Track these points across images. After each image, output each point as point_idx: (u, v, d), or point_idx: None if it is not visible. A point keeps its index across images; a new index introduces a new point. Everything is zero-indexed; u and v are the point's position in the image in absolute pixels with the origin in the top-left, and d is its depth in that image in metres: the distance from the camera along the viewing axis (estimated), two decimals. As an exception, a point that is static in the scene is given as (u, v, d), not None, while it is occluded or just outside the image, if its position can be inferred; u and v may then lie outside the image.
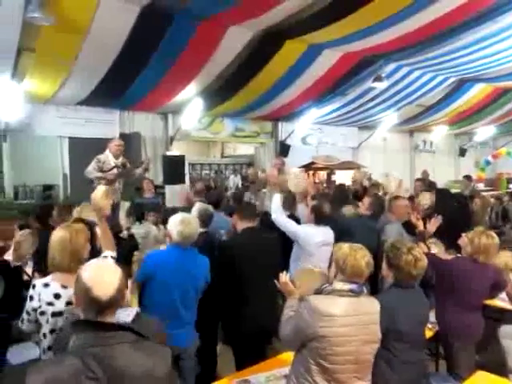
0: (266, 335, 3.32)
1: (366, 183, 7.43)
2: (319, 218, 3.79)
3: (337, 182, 9.85)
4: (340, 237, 3.66)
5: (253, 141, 11.19)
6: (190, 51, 6.56)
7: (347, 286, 2.18)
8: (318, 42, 6.91)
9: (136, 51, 6.30)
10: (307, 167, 10.87)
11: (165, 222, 4.56)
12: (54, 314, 2.26)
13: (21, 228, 3.85)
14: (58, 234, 2.40)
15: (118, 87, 7.52)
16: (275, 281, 2.55)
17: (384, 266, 2.58)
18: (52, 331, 2.26)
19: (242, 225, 3.27)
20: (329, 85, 8.75)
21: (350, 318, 2.12)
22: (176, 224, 2.84)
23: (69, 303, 2.27)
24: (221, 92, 8.30)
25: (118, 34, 5.96)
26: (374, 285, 3.44)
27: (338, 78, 8.46)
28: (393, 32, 6.44)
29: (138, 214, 4.20)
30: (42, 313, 2.26)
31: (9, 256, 3.43)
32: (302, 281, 2.58)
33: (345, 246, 2.29)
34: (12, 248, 3.38)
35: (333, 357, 2.10)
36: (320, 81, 8.41)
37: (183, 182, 8.33)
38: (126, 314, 1.98)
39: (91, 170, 5.47)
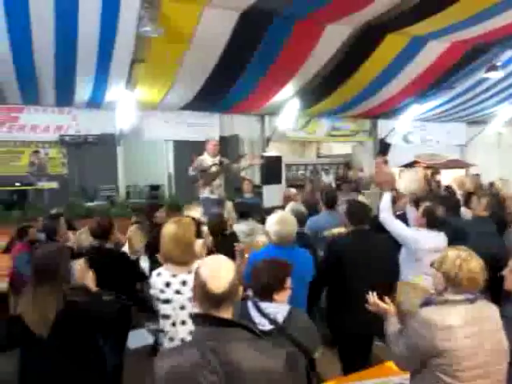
0: (371, 339, 3.19)
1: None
2: (431, 222, 3.52)
3: (442, 183, 9.16)
4: (453, 240, 3.37)
5: (350, 140, 10.91)
6: (287, 52, 6.59)
7: (462, 296, 1.96)
8: (422, 33, 6.48)
9: (235, 55, 6.51)
10: (409, 166, 10.27)
11: (263, 221, 4.66)
12: (164, 301, 2.42)
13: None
14: (170, 229, 2.52)
15: (219, 91, 7.85)
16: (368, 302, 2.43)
17: (508, 276, 2.27)
18: (163, 317, 2.42)
19: (351, 227, 3.18)
20: (433, 78, 8.17)
21: (471, 328, 1.90)
22: (273, 224, 2.84)
23: (178, 292, 2.41)
24: (318, 91, 8.22)
25: (219, 40, 6.21)
26: (494, 293, 3.06)
27: (445, 70, 7.86)
28: (508, 15, 5.79)
29: (242, 213, 4.31)
30: (157, 299, 2.45)
31: (124, 249, 3.76)
32: (404, 296, 2.38)
33: (452, 256, 2.01)
34: (127, 243, 3.70)
35: (461, 373, 1.88)
36: (424, 75, 7.89)
37: (280, 182, 8.41)
38: (279, 310, 2.02)
39: (192, 169, 5.82)
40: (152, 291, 2.45)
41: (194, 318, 1.51)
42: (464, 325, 1.91)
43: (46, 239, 3.71)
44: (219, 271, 1.49)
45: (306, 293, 2.82)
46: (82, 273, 2.51)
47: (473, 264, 1.97)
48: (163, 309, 2.42)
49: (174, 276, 2.44)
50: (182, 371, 1.36)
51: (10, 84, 6.81)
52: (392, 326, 2.23)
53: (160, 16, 5.27)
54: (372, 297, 2.43)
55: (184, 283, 2.43)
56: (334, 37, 6.42)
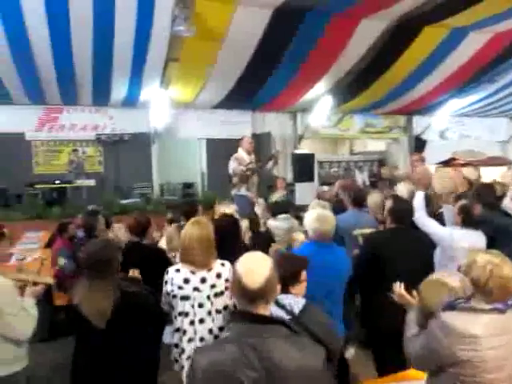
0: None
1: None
2: (468, 220, 3.38)
3: (482, 180, 8.81)
4: (494, 242, 3.22)
5: (384, 136, 10.70)
6: (320, 49, 6.51)
7: (491, 306, 1.82)
8: (463, 24, 6.24)
9: (268, 52, 6.49)
10: (446, 164, 9.93)
11: (297, 218, 4.62)
12: (183, 298, 2.42)
13: (170, 223, 4.26)
14: (189, 230, 2.53)
15: (251, 89, 7.86)
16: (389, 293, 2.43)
17: None
18: (180, 314, 2.42)
19: (390, 225, 3.09)
20: (474, 72, 7.86)
21: (497, 339, 1.77)
22: (312, 221, 2.80)
23: (196, 289, 2.41)
24: (351, 87, 8.09)
25: (252, 38, 6.20)
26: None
27: (486, 63, 7.54)
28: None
29: (280, 211, 4.30)
30: (174, 296, 2.45)
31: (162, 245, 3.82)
32: (428, 293, 2.28)
33: (482, 261, 1.84)
34: (164, 241, 3.76)
35: None
36: (463, 68, 7.61)
37: (312, 180, 8.33)
38: (295, 302, 2.04)
39: (236, 167, 5.83)
40: (169, 287, 2.43)
41: (232, 314, 1.51)
42: (489, 335, 1.78)
43: (85, 235, 3.81)
44: (255, 267, 1.48)
45: (343, 291, 2.77)
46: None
47: (505, 271, 1.81)
48: (181, 305, 2.42)
49: (192, 273, 2.44)
50: (222, 367, 1.37)
51: (51, 85, 7.05)
52: (412, 321, 2.15)
53: (193, 15, 5.31)
54: (399, 287, 2.40)
55: (203, 281, 2.43)
56: (369, 31, 6.28)
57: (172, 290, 2.44)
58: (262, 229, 4.08)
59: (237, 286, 1.48)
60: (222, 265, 2.51)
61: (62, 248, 4.42)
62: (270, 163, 6.24)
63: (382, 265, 2.95)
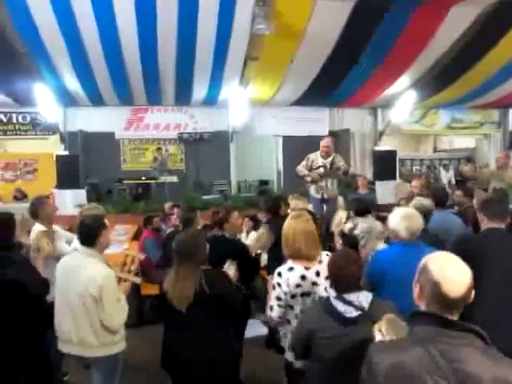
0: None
1: None
2: None
3: None
4: None
5: (473, 132, 9.95)
6: (404, 41, 6.19)
7: None
8: None
9: (348, 47, 6.30)
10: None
11: (379, 218, 4.42)
12: (303, 295, 2.40)
13: (251, 219, 4.29)
14: (294, 225, 2.48)
15: (329, 86, 7.71)
16: None
17: None
18: (302, 311, 2.41)
19: (486, 225, 2.79)
20: None
21: None
22: (400, 219, 2.63)
23: (314, 283, 2.39)
24: (437, 81, 7.61)
25: (332, 33, 6.07)
26: None
27: None
28: None
29: (360, 210, 4.14)
30: (293, 296, 2.40)
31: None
32: None
33: None
34: (244, 235, 3.80)
35: None
36: None
37: (394, 178, 7.95)
38: (361, 298, 1.99)
39: (300, 169, 5.66)
40: (285, 289, 2.38)
41: (416, 315, 1.41)
42: None
43: (182, 229, 3.97)
44: (457, 274, 1.36)
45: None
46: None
47: None
48: (302, 303, 2.40)
49: (307, 268, 2.42)
50: (407, 369, 1.27)
51: (138, 87, 7.49)
52: None
53: (273, 13, 5.31)
54: None
55: (318, 274, 2.41)
56: (460, 19, 5.84)
57: (290, 291, 2.39)
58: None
59: (431, 290, 1.35)
60: (328, 255, 2.48)
61: (148, 238, 4.69)
62: (340, 172, 5.85)
63: (475, 272, 2.62)
